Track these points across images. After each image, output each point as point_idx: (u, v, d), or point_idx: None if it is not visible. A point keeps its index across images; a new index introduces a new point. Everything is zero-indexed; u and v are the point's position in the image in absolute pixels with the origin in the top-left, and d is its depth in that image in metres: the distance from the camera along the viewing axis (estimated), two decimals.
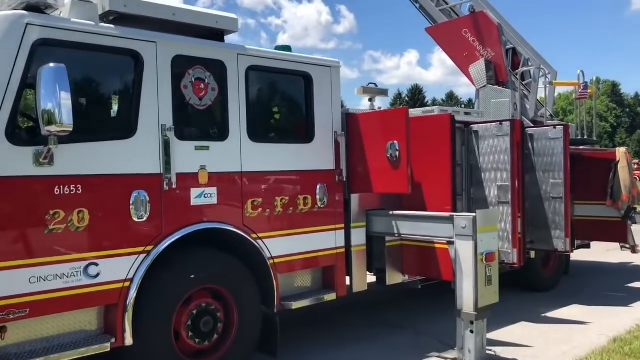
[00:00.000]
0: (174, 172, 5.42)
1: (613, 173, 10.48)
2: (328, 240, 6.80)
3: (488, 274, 6.26)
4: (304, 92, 6.67)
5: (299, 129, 6.77)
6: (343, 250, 6.98)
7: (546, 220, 9.43)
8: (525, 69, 12.00)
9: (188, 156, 5.58)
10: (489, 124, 8.45)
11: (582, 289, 10.45)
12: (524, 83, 12.41)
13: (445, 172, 7.23)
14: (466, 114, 9.69)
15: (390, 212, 7.12)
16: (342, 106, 7.24)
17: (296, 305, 6.39)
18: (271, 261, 6.21)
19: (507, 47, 12.44)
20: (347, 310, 8.72)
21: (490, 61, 12.03)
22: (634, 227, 11.06)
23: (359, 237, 7.21)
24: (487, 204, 8.48)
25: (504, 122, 8.25)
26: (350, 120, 7.11)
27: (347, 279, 7.14)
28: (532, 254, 9.75)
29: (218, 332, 5.84)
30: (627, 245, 11.07)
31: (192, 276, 5.56)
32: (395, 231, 7.05)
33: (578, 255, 12.23)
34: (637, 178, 10.99)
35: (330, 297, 6.76)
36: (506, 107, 11.45)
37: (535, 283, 10.26)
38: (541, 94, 13.29)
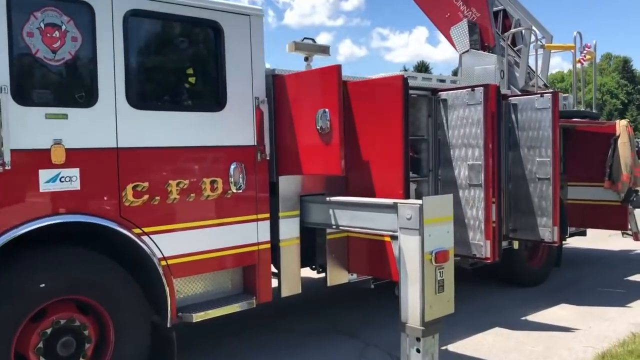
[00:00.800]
0: (8, 147, 4.06)
1: (612, 150, 9.04)
2: (247, 233, 5.46)
3: (439, 278, 4.89)
4: (212, 47, 5.27)
5: (204, 94, 5.40)
6: (268, 245, 5.63)
7: (531, 205, 8.04)
8: (514, 30, 10.48)
9: (34, 127, 4.22)
10: (459, 91, 7.01)
11: (574, 284, 9.08)
12: (515, 49, 10.93)
13: (396, 149, 5.82)
14: (425, 79, 8.20)
15: (327, 199, 5.74)
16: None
17: (198, 317, 5.07)
18: (163, 263, 4.88)
19: (496, 8, 10.93)
20: (292, 312, 7.41)
21: (474, 23, 10.53)
22: (637, 211, 9.65)
23: (290, 228, 5.86)
24: (456, 187, 7.09)
25: (476, 88, 6.81)
26: (277, 83, 5.71)
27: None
28: (516, 245, 8.41)
29: (86, 356, 4.53)
30: (629, 232, 9.67)
31: (42, 285, 4.23)
32: (333, 222, 5.68)
33: (574, 242, 10.86)
34: None
35: (247, 304, 5.43)
36: (491, 74, 9.97)
37: (520, 277, 8.90)
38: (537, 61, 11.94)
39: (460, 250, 7.02)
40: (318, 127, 5.26)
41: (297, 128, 5.49)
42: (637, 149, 9.55)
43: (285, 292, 5.82)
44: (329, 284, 6.20)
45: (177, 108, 5.13)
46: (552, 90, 8.56)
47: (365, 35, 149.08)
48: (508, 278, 8.91)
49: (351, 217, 5.52)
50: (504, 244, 8.32)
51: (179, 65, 5.30)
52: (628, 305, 7.81)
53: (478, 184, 6.82)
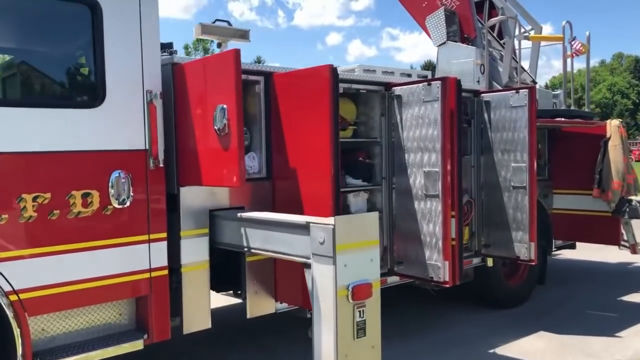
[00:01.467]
0: None
1: (602, 154, 7.96)
2: (134, 258, 4.46)
3: (359, 319, 3.86)
4: (86, 28, 4.27)
5: (75, 86, 4.41)
6: (165, 272, 4.63)
7: (506, 217, 7.00)
8: (496, 20, 9.39)
9: None
10: (414, 86, 5.97)
11: (558, 305, 8.00)
12: (502, 42, 9.88)
13: (324, 154, 4.80)
14: (386, 72, 7.16)
15: (238, 215, 4.72)
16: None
17: None
18: (13, 297, 3.88)
19: None
20: (217, 340, 6.41)
21: (453, 12, 9.50)
22: (634, 222, 8.55)
23: (196, 250, 4.85)
24: (412, 198, 6.06)
25: (433, 82, 5.78)
26: (178, 74, 4.71)
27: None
28: (490, 262, 7.35)
29: None
30: (627, 244, 8.57)
31: None
32: (245, 243, 4.66)
33: (566, 253, 9.77)
34: (634, 159, 8.52)
35: (133, 346, 4.42)
36: (469, 69, 8.91)
37: (496, 297, 7.84)
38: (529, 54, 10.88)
39: (416, 272, 6.02)
40: (216, 128, 4.24)
41: (196, 128, 4.49)
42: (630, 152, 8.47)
43: (188, 328, 4.81)
44: (249, 316, 5.18)
45: (38, 104, 4.11)
46: (529, 85, 7.47)
47: (375, 35, 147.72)
48: (482, 297, 7.86)
49: (264, 239, 4.49)
50: (476, 260, 7.29)
51: (42, 50, 4.31)
52: (617, 334, 6.73)
53: (435, 194, 5.79)
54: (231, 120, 4.11)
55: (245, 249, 4.66)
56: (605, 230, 8.16)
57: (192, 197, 4.79)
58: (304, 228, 4.02)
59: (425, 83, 5.83)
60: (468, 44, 9.31)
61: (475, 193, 7.24)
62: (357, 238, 3.85)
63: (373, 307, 3.94)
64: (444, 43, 9.29)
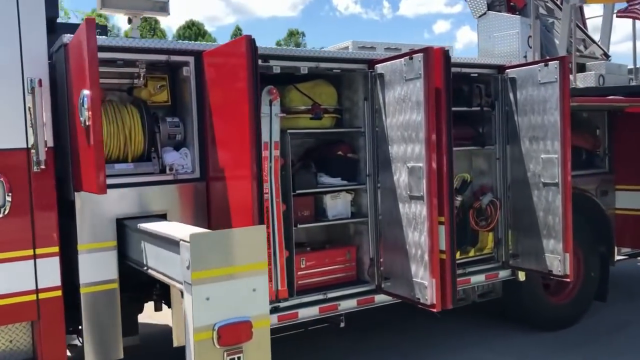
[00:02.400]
0: None
1: None
2: (13, 277, 3.75)
3: None
4: None
5: None
6: (58, 293, 3.89)
7: (536, 221, 5.64)
8: None
9: None
10: (396, 61, 4.83)
11: (618, 329, 6.44)
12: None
13: (244, 148, 3.84)
14: (361, 48, 5.97)
15: (138, 225, 3.87)
16: None
17: None
18: None
19: None
20: None
21: None
22: None
23: (100, 267, 4.06)
24: (396, 200, 4.93)
25: (415, 56, 4.60)
26: (66, 58, 3.93)
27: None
28: (521, 275, 5.99)
29: None
30: None
31: None
32: (143, 260, 3.81)
33: None
34: None
35: None
36: (514, 42, 7.52)
37: (532, 318, 6.41)
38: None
39: (403, 291, 4.91)
40: (82, 120, 3.42)
41: (75, 121, 3.69)
42: None
43: (91, 358, 4.04)
44: (175, 344, 4.33)
45: None
46: (561, 56, 5.99)
47: None
48: (518, 317, 6.47)
49: (156, 256, 3.62)
50: (504, 273, 5.97)
51: None
52: None
53: (419, 195, 4.62)
54: (90, 111, 3.27)
55: (145, 268, 3.81)
56: None
57: (93, 203, 4.01)
58: (176, 245, 3.10)
59: (408, 57, 4.67)
60: (515, 14, 7.92)
61: (500, 191, 5.93)
62: (229, 261, 2.87)
63: (257, 352, 2.94)
64: (484, 14, 7.92)
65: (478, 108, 5.90)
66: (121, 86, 4.37)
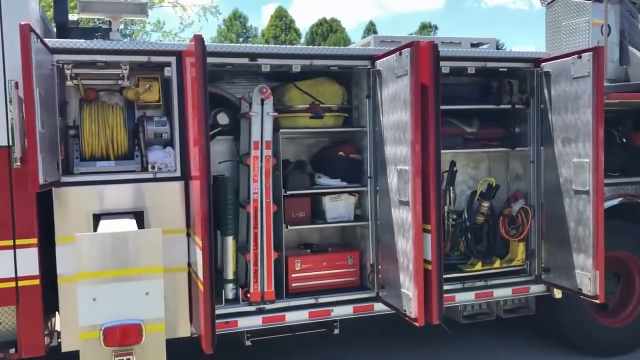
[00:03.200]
0: None
1: None
2: None
3: None
4: None
5: None
6: (36, 282, 4.14)
7: (567, 233, 5.05)
8: None
9: None
10: (390, 57, 4.53)
11: None
12: None
13: (195, 150, 3.81)
14: (383, 42, 5.56)
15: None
16: None
17: None
18: None
19: None
20: None
21: None
22: None
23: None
24: (389, 204, 4.65)
25: (403, 50, 4.29)
26: None
27: None
28: (557, 293, 5.40)
29: None
30: None
31: None
32: None
33: None
34: None
35: None
36: (584, 32, 6.76)
37: (577, 340, 5.71)
38: None
39: (394, 301, 4.64)
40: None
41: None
42: None
43: (67, 346, 4.26)
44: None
45: None
46: (595, 46, 5.25)
47: None
48: (556, 337, 5.81)
49: None
50: (536, 288, 5.41)
51: None
52: None
53: (406, 200, 4.32)
54: (24, 101, 3.43)
55: None
56: None
57: (70, 199, 4.21)
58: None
59: (398, 52, 4.37)
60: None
61: (534, 198, 5.36)
62: (119, 264, 2.88)
63: (151, 356, 2.92)
64: (553, 1, 7.20)
65: (509, 106, 5.38)
66: (111, 87, 4.54)
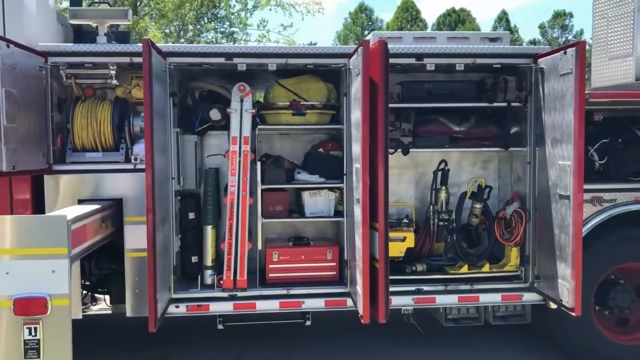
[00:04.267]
0: None
1: None
2: None
3: (28, 337, 3.29)
4: None
5: None
6: None
7: (553, 240, 4.79)
8: None
9: None
10: (353, 56, 4.56)
11: None
12: None
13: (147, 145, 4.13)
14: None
15: None
16: None
17: None
18: None
19: None
20: None
21: None
22: None
23: None
24: (352, 201, 4.69)
25: (359, 50, 4.31)
26: None
27: None
28: (553, 304, 5.11)
29: None
30: None
31: None
32: None
33: None
34: None
35: None
36: (629, 23, 6.27)
37: (576, 353, 5.32)
38: None
39: (355, 299, 4.71)
40: None
41: None
42: None
43: None
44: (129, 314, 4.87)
45: None
46: (578, 41, 4.82)
47: None
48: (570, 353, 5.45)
49: None
50: (530, 296, 5.16)
51: None
52: None
53: (358, 198, 4.38)
54: None
55: None
56: None
57: (60, 185, 4.74)
58: None
59: (356, 52, 4.40)
60: None
61: (529, 201, 5.11)
62: (28, 244, 3.29)
63: (55, 327, 3.31)
64: None
65: (504, 104, 5.14)
66: (104, 85, 5.02)
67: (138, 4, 19.28)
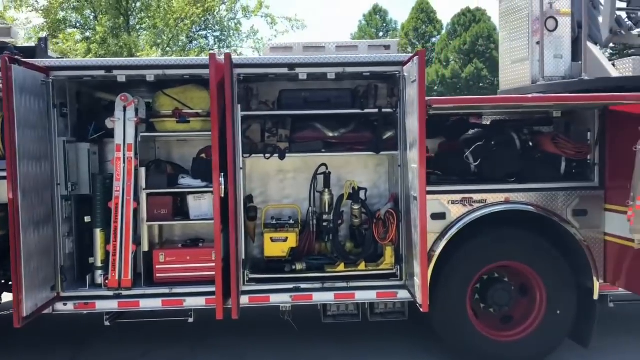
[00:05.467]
0: None
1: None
2: None
3: None
4: None
5: None
6: None
7: (411, 239, 5.02)
8: None
9: None
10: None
11: None
12: None
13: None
14: (306, 49, 5.71)
15: None
16: None
17: None
18: None
19: None
20: None
21: None
22: None
23: None
24: None
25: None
26: None
27: None
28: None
29: None
30: None
31: None
32: None
33: None
34: None
35: None
36: (525, 29, 6.48)
37: (462, 354, 5.49)
38: None
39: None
40: None
41: None
42: None
43: None
44: None
45: None
46: (421, 50, 5.01)
47: None
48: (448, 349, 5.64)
49: None
50: (404, 294, 5.37)
51: None
52: None
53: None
54: None
55: None
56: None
57: None
58: None
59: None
60: None
61: (401, 202, 5.33)
62: None
63: None
64: None
65: (375, 110, 5.37)
66: None
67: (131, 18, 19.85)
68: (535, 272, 5.38)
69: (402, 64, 5.17)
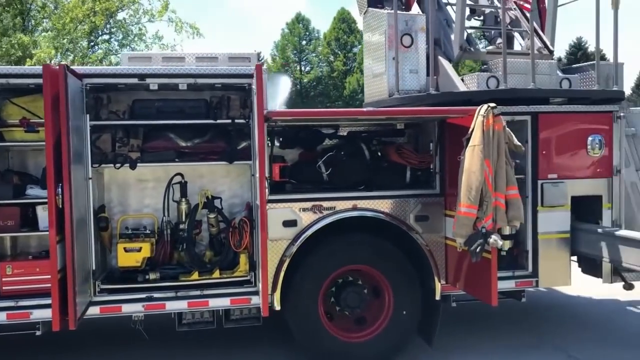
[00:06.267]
0: None
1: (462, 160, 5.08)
2: None
3: None
4: None
5: None
6: None
7: None
8: None
9: None
10: None
11: None
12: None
13: None
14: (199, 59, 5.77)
15: None
16: None
17: None
18: None
19: None
20: None
21: None
22: None
23: None
24: None
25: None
26: None
27: None
28: (277, 303, 5.48)
29: None
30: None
31: None
32: None
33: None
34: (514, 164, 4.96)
35: None
36: (381, 42, 6.80)
37: (316, 355, 5.70)
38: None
39: None
40: None
41: None
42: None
43: None
44: None
45: None
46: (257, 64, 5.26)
47: None
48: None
49: None
50: (258, 299, 5.49)
51: None
52: None
53: None
54: None
55: None
56: (476, 277, 5.20)
57: None
58: None
59: None
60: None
61: (254, 210, 5.47)
62: None
63: None
64: (366, 11, 7.22)
65: (228, 120, 5.51)
66: None
67: (27, 18, 19.13)
68: (382, 274, 5.66)
69: (252, 76, 5.33)
